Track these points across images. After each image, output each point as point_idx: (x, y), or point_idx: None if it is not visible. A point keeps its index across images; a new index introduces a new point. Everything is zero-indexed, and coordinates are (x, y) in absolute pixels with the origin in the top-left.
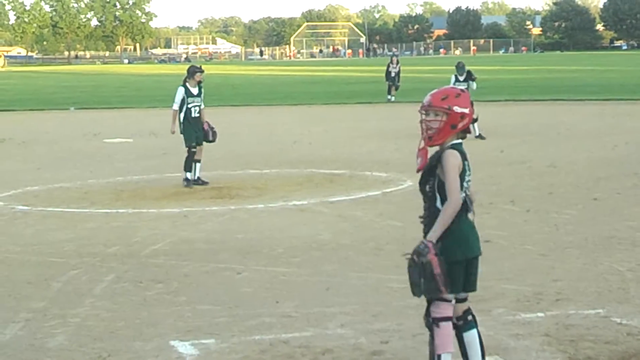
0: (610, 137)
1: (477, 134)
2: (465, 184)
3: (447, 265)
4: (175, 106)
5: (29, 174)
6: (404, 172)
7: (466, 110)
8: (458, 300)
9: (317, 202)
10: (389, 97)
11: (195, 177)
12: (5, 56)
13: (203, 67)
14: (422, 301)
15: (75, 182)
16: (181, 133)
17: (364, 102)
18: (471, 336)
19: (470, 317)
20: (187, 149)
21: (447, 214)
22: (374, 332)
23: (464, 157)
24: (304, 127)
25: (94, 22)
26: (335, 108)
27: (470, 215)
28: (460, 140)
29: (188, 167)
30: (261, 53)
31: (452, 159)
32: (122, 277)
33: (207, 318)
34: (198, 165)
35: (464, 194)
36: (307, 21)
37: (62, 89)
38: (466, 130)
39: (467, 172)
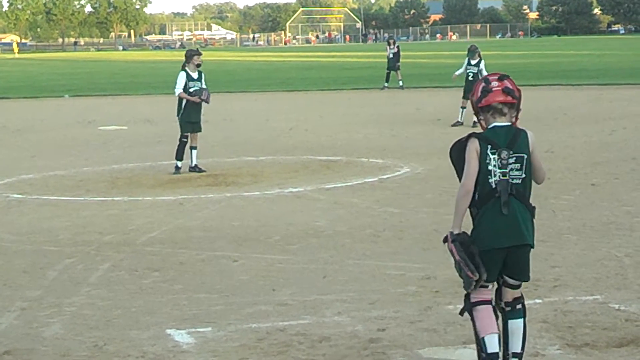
0: (608, 121)
1: (459, 120)
2: (495, 171)
3: (481, 253)
4: (179, 88)
5: (24, 162)
6: (400, 159)
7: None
8: (508, 286)
9: (313, 189)
10: (386, 84)
11: (193, 165)
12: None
13: None
14: (419, 288)
15: (70, 170)
16: (178, 118)
17: (360, 88)
18: (516, 325)
19: (519, 306)
20: (180, 136)
21: (456, 198)
22: (371, 320)
23: (487, 142)
24: (299, 113)
25: (88, 8)
26: (331, 94)
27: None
28: (493, 124)
29: (180, 156)
30: (254, 39)
31: (468, 144)
32: (117, 265)
33: (203, 306)
34: (194, 152)
35: (493, 182)
36: (303, 7)
37: (56, 76)
38: (500, 107)
39: (489, 159)
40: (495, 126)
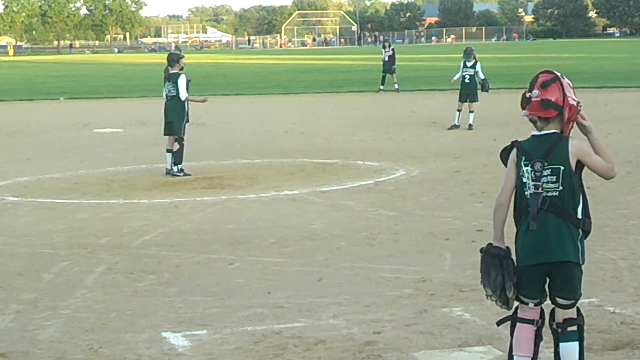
0: (603, 124)
1: (456, 123)
2: (529, 184)
3: (518, 269)
4: (186, 92)
5: (19, 164)
6: (396, 162)
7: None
8: (557, 305)
9: (309, 192)
10: (382, 87)
11: (169, 167)
12: None
13: (194, 56)
14: (414, 291)
15: (65, 172)
16: (183, 122)
17: (355, 91)
18: (566, 348)
19: (572, 328)
20: (180, 140)
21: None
22: (366, 323)
23: (523, 153)
24: (295, 116)
25: (83, 11)
26: (326, 97)
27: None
28: (533, 133)
29: (181, 159)
30: (249, 42)
31: (510, 154)
32: (113, 268)
33: (199, 309)
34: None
35: (529, 195)
36: (299, 9)
37: (51, 78)
38: (536, 120)
39: (522, 171)
40: (533, 135)
